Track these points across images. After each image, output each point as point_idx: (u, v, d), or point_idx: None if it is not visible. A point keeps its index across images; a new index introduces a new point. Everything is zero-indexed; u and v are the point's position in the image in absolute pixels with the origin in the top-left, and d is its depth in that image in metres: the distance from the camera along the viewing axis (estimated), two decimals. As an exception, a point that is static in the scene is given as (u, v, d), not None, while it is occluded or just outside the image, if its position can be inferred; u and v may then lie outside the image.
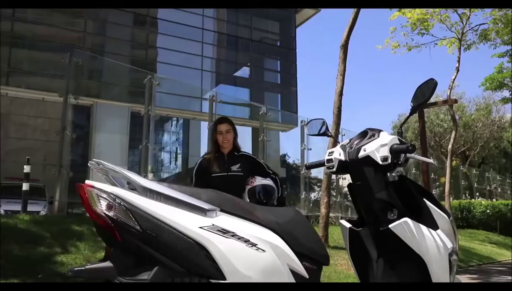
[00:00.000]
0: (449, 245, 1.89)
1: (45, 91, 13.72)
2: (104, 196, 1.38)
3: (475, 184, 19.50)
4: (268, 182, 3.07)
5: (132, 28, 17.79)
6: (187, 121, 22.38)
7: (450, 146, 12.23)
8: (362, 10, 7.45)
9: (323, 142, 8.64)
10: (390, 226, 1.82)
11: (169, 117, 23.58)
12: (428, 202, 1.93)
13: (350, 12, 7.40)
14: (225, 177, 3.11)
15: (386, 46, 12.70)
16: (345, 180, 10.65)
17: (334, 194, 11.29)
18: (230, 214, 1.51)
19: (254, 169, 3.18)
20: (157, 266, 1.39)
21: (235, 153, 3.23)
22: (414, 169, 14.62)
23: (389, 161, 1.85)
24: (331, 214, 7.99)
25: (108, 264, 1.41)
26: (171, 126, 27.17)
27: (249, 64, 20.94)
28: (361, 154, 1.89)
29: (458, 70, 11.86)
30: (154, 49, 18.48)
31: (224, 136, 3.20)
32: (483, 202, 16.26)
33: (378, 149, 1.86)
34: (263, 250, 1.49)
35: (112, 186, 1.44)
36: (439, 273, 1.84)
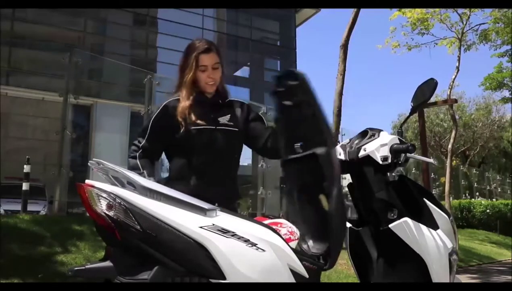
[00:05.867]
0: (449, 244, 1.90)
1: (45, 91, 13.70)
2: (104, 195, 1.37)
3: (475, 183, 19.53)
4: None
5: (132, 28, 17.79)
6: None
7: (450, 146, 12.23)
8: (362, 10, 7.46)
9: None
10: (390, 225, 1.82)
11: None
12: (428, 202, 1.93)
13: (350, 12, 7.41)
14: (212, 132, 2.03)
15: (386, 46, 12.72)
16: (345, 179, 10.62)
17: (334, 193, 11.27)
18: (230, 214, 1.51)
19: (253, 121, 2.17)
20: (157, 266, 1.39)
21: (219, 101, 2.12)
22: (414, 168, 14.63)
23: (389, 160, 1.85)
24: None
25: (108, 263, 1.40)
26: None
27: (249, 64, 20.95)
28: (361, 153, 1.89)
29: (458, 70, 11.87)
30: (154, 49, 18.48)
31: (209, 73, 2.06)
32: (483, 202, 16.28)
33: (378, 148, 1.86)
34: (263, 250, 1.49)
35: (112, 186, 1.44)
36: (439, 273, 1.84)
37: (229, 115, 2.08)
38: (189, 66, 2.04)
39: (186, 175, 2.01)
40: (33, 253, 3.99)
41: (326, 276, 4.84)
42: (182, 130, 2.01)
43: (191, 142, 2.02)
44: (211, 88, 2.08)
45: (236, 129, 2.07)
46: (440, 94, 18.85)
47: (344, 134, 9.61)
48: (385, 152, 1.85)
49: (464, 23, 12.00)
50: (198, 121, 2.00)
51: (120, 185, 1.52)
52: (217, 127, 2.04)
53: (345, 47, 7.23)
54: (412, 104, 2.00)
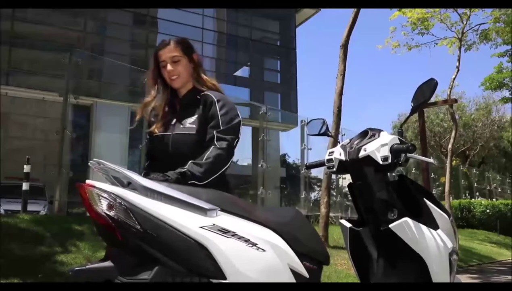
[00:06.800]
0: (449, 244, 1.89)
1: (45, 91, 13.71)
2: (105, 195, 1.37)
3: (475, 183, 19.52)
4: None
5: (132, 28, 17.79)
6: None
7: (450, 146, 12.24)
8: (362, 10, 7.46)
9: (323, 142, 8.66)
10: (390, 225, 1.82)
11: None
12: (428, 202, 1.93)
13: (350, 12, 7.41)
14: (169, 138, 1.94)
15: (386, 46, 12.72)
16: (345, 180, 10.65)
17: (334, 193, 11.29)
18: (230, 214, 1.51)
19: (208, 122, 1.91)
20: (157, 266, 1.39)
21: (197, 96, 1.96)
22: (414, 168, 14.63)
23: (390, 160, 1.85)
24: (331, 214, 8.01)
25: (108, 263, 1.40)
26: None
27: (249, 64, 20.94)
28: (362, 153, 1.89)
29: (458, 70, 11.87)
30: (154, 49, 18.45)
31: (170, 69, 1.96)
32: (483, 202, 16.28)
33: (378, 148, 1.86)
34: (264, 250, 1.49)
35: (113, 186, 1.44)
36: (439, 272, 1.84)
37: (196, 116, 1.92)
38: (153, 64, 2.01)
39: None
40: (33, 253, 3.99)
41: (326, 276, 4.84)
42: (148, 136, 2.02)
43: (151, 149, 2.03)
44: (176, 84, 1.98)
45: (193, 133, 1.90)
46: (440, 94, 18.86)
47: (344, 135, 9.62)
48: (385, 152, 1.85)
49: (464, 23, 11.99)
50: (156, 129, 1.96)
51: (121, 185, 1.52)
52: (174, 134, 1.92)
53: (345, 47, 7.23)
54: (412, 104, 2.00)
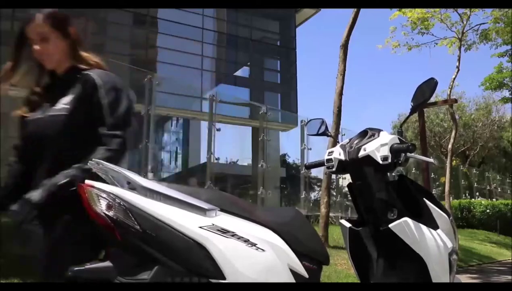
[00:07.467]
0: (449, 244, 1.89)
1: (45, 91, 13.70)
2: (104, 195, 1.37)
3: (475, 183, 19.53)
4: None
5: (132, 28, 17.79)
6: (187, 121, 22.37)
7: (450, 146, 12.25)
8: (362, 10, 7.47)
9: (323, 142, 8.66)
10: (390, 225, 1.82)
11: (169, 117, 23.53)
12: (428, 202, 1.93)
13: (350, 12, 7.41)
14: (38, 121, 1.73)
15: (386, 46, 12.73)
16: (345, 179, 10.66)
17: (334, 193, 11.29)
18: (230, 214, 1.51)
19: (88, 107, 1.67)
20: (157, 266, 1.38)
21: (77, 75, 1.72)
22: (414, 168, 14.63)
23: (389, 160, 1.84)
24: (331, 214, 8.01)
25: (108, 263, 1.40)
26: (171, 126, 27.15)
27: (249, 64, 20.95)
28: (361, 153, 1.89)
29: (458, 70, 11.88)
30: (154, 49, 18.47)
31: (37, 48, 1.73)
32: (483, 202, 16.29)
33: (378, 148, 1.86)
34: (263, 250, 1.49)
35: (112, 186, 1.44)
36: (439, 272, 1.84)
37: (72, 96, 1.68)
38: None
39: (17, 171, 1.83)
40: (33, 253, 3.99)
41: (326, 276, 4.85)
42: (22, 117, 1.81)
43: (20, 135, 1.83)
44: (48, 64, 1.75)
45: (65, 113, 1.66)
46: (440, 94, 18.88)
47: (344, 135, 9.62)
48: (385, 151, 1.85)
49: (464, 23, 12.01)
50: (26, 111, 1.78)
51: (120, 185, 1.52)
52: (45, 115, 1.70)
53: (345, 47, 7.24)
54: (412, 104, 2.00)
